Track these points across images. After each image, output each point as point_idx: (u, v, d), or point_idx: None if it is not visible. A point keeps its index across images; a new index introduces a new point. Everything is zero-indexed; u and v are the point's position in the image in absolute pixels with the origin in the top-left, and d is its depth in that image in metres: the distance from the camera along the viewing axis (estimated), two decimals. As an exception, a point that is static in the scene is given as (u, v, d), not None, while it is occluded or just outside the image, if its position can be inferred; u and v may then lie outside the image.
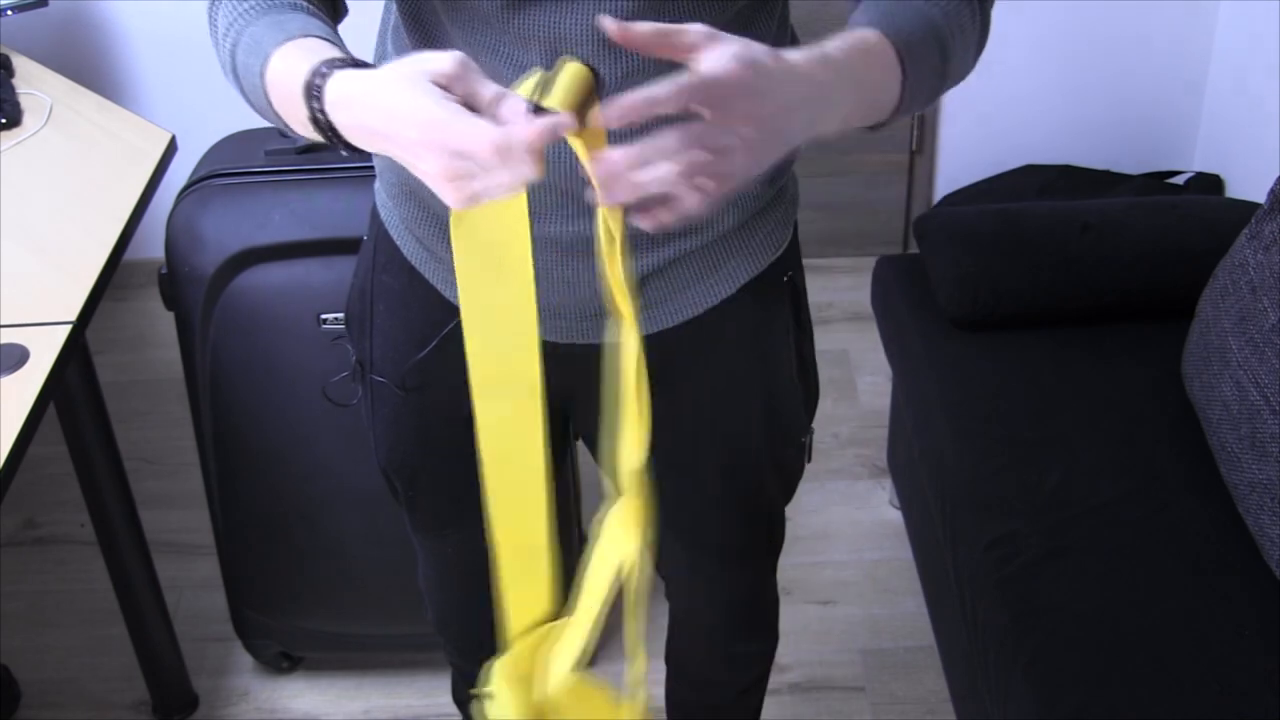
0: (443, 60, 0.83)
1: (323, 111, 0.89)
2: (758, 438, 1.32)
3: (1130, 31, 2.75)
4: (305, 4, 1.01)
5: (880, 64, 0.94)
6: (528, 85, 0.84)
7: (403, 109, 0.82)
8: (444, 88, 0.82)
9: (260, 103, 0.98)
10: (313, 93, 0.89)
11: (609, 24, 0.83)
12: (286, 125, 0.97)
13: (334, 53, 0.92)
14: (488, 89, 0.82)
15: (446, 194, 0.83)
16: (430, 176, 0.83)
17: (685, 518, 1.37)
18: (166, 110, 2.54)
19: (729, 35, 0.84)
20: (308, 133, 0.94)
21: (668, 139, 0.80)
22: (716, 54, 0.82)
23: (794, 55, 0.87)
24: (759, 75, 0.82)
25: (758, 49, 0.84)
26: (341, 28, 1.19)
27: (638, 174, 0.80)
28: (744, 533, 1.42)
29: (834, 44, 0.91)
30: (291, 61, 0.93)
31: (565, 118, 0.80)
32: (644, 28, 0.83)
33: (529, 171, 0.80)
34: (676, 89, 0.79)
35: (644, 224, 0.84)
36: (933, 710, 2.02)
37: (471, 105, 0.82)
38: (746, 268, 1.21)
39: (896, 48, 0.94)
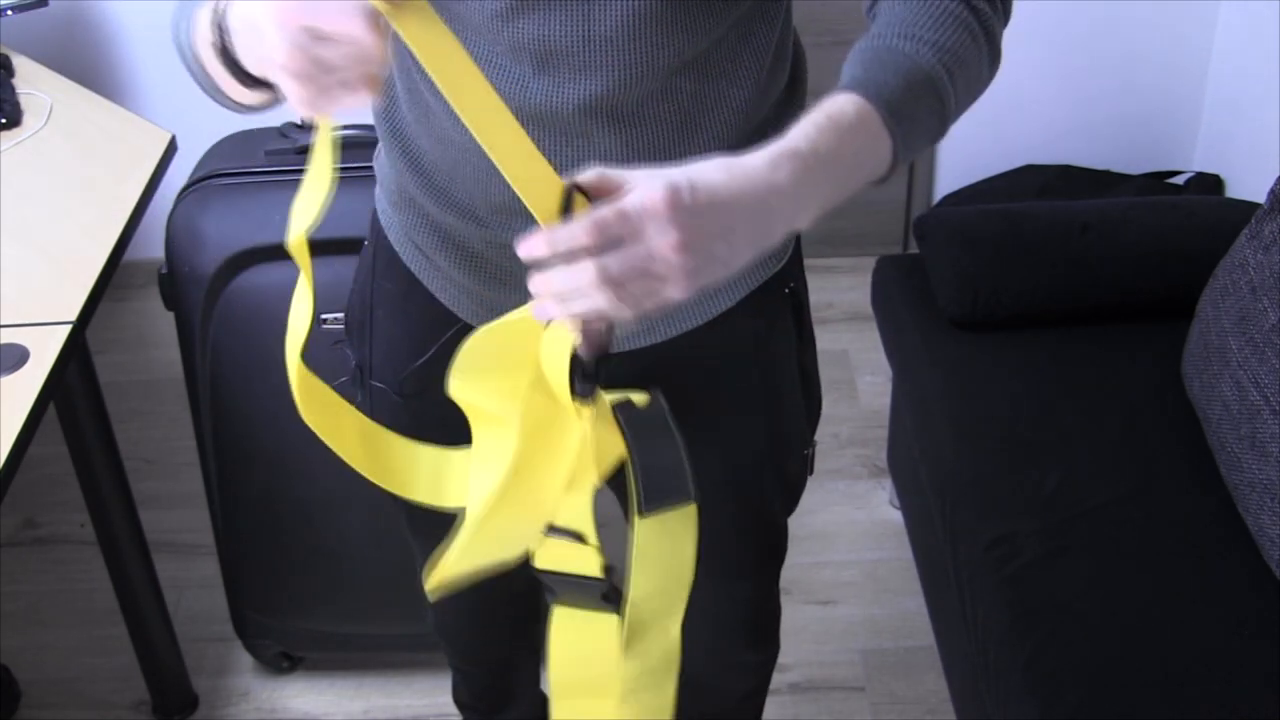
0: None
1: (224, 32, 0.89)
2: (759, 451, 1.31)
3: (1130, 31, 2.75)
4: None
5: (861, 134, 0.90)
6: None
7: None
8: None
9: (199, 72, 0.98)
10: (217, 18, 0.89)
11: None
12: (219, 90, 0.97)
13: None
14: None
15: (293, 93, 0.82)
16: (280, 70, 0.82)
17: None
18: (166, 110, 2.54)
19: (669, 173, 0.81)
20: (230, 86, 0.94)
21: (584, 275, 0.79)
22: (641, 186, 0.80)
23: (749, 160, 0.84)
24: (679, 203, 0.79)
25: (693, 173, 0.81)
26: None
27: (568, 304, 0.81)
28: (745, 547, 1.40)
29: (803, 131, 0.87)
30: (206, 9, 0.93)
31: None
32: (588, 176, 0.83)
33: (379, 62, 0.79)
34: (591, 223, 0.78)
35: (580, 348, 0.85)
36: (933, 710, 2.02)
37: None
38: (747, 279, 1.19)
39: (880, 112, 0.90)
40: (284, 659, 2.10)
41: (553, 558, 1.03)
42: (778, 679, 1.86)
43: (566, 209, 0.83)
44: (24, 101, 1.99)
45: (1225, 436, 1.66)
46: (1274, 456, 1.56)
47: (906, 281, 2.11)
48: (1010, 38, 1.06)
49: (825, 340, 1.47)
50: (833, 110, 0.89)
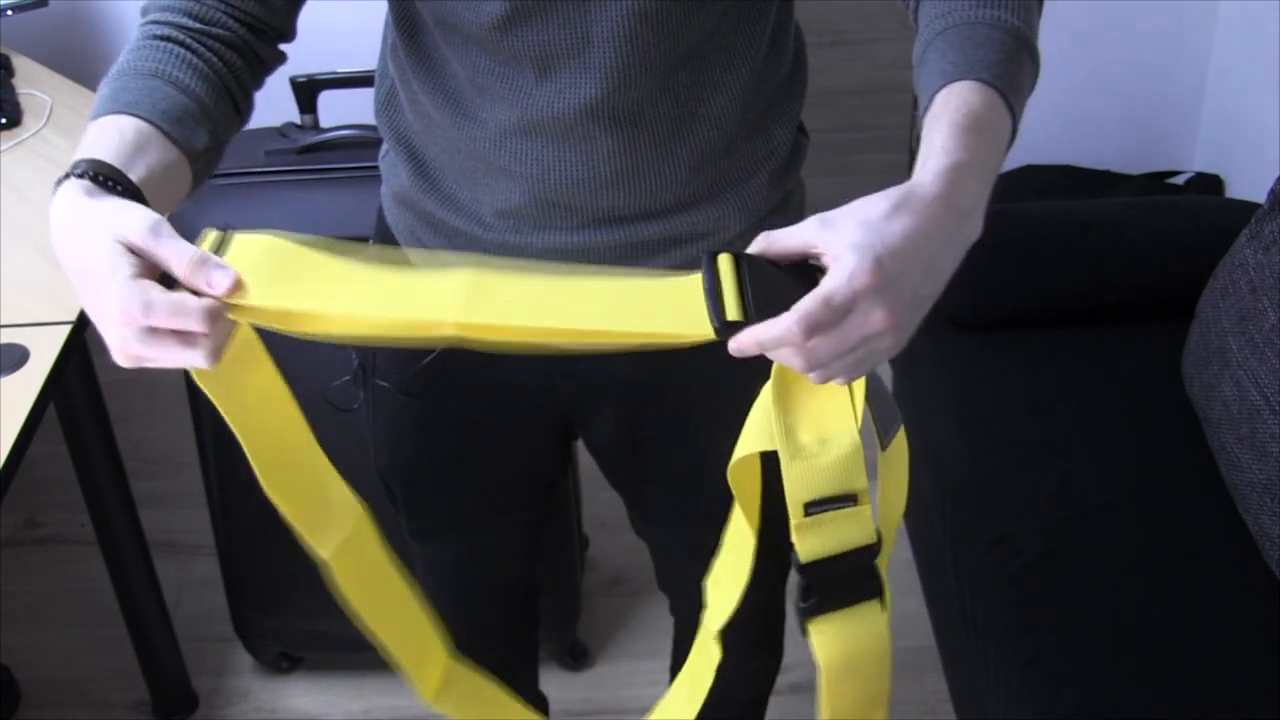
0: (133, 228, 0.82)
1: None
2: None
3: (1130, 32, 2.75)
4: (183, 70, 1.02)
5: (997, 125, 0.88)
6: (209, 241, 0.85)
7: (82, 258, 0.83)
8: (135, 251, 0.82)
9: None
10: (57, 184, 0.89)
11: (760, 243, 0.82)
12: None
13: (102, 151, 0.92)
14: (178, 262, 0.82)
15: (114, 351, 0.84)
16: (110, 345, 0.84)
17: (691, 538, 1.35)
18: (166, 110, 2.53)
19: (841, 219, 0.78)
20: None
21: (794, 361, 0.80)
22: (836, 265, 0.77)
23: (926, 190, 0.81)
24: (884, 276, 0.77)
25: (883, 232, 0.78)
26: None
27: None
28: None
29: (954, 138, 0.84)
30: (85, 138, 0.93)
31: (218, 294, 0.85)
32: (757, 244, 0.81)
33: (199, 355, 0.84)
34: (799, 323, 0.76)
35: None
36: (933, 710, 2.02)
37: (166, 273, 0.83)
38: None
39: (1001, 93, 0.87)
40: (284, 659, 2.10)
41: (818, 542, 0.90)
42: (778, 679, 1.86)
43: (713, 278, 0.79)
44: (24, 101, 1.99)
45: (1225, 436, 1.66)
46: (1274, 456, 1.56)
47: (906, 281, 2.11)
48: (1010, 38, 1.05)
49: (825, 340, 1.47)
50: (965, 107, 0.86)
